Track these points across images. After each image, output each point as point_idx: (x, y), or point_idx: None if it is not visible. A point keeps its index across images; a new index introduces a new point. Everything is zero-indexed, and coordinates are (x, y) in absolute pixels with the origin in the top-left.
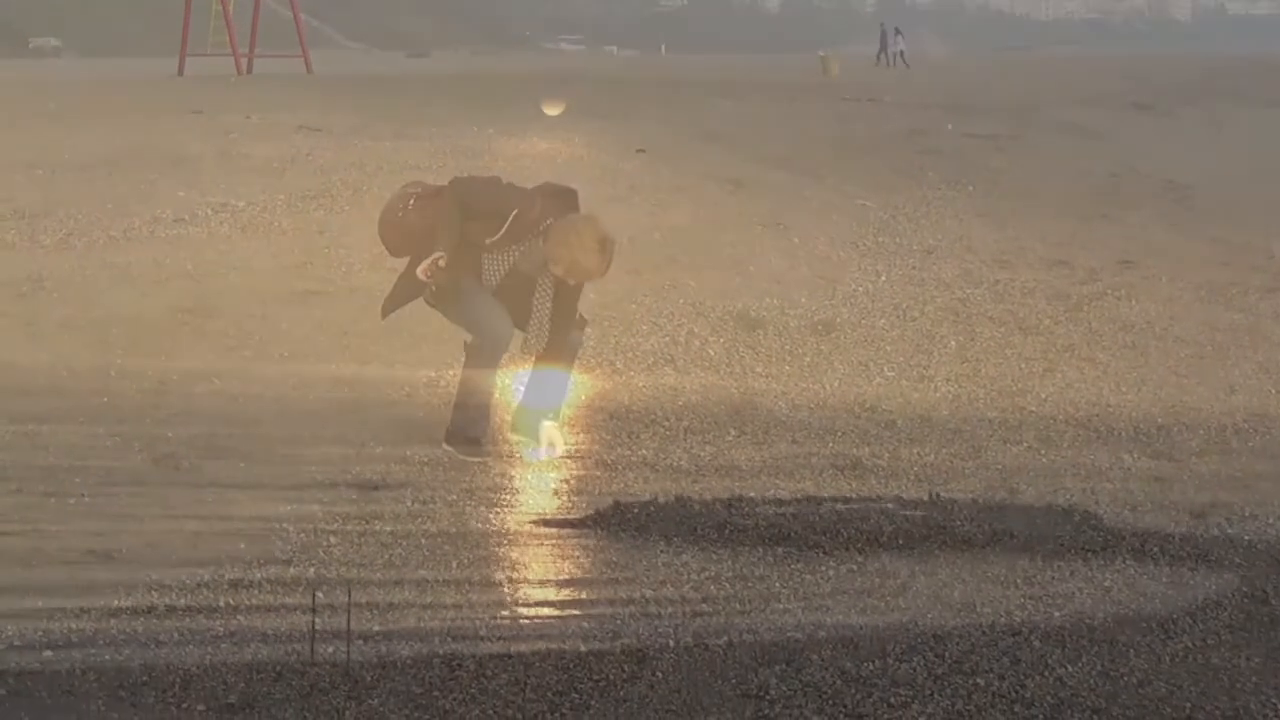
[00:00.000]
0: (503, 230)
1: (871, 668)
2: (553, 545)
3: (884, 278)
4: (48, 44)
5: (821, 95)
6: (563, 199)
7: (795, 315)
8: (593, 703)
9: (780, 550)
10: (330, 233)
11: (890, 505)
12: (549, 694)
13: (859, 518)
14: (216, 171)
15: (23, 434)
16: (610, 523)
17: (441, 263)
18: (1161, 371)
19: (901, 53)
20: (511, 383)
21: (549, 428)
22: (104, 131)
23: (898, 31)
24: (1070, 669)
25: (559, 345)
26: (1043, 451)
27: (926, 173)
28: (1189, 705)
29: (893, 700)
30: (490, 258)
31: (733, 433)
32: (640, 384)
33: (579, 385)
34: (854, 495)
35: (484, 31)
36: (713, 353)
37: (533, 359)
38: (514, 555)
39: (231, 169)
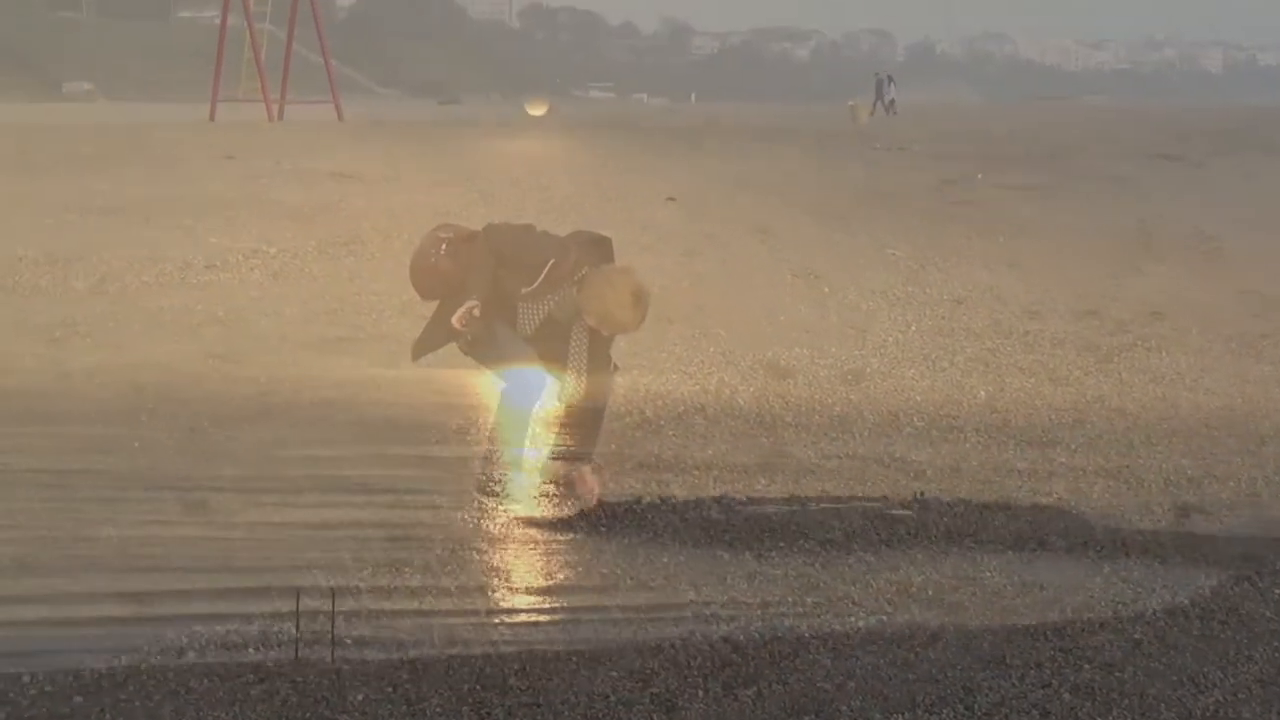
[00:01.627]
0: (539, 280)
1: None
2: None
3: (914, 328)
4: (80, 88)
5: (851, 144)
6: (597, 248)
7: (825, 365)
8: None
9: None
10: (361, 279)
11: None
12: None
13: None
14: (248, 217)
15: (54, 478)
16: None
17: (476, 312)
18: (1192, 424)
19: (892, 100)
20: (543, 430)
21: (583, 471)
22: (136, 176)
23: (890, 80)
24: None
25: (592, 392)
26: (1072, 503)
27: (956, 222)
28: None
29: None
30: (525, 307)
31: (762, 481)
32: (670, 432)
33: (609, 433)
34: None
35: (515, 78)
36: (742, 401)
37: (566, 407)
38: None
39: (263, 215)
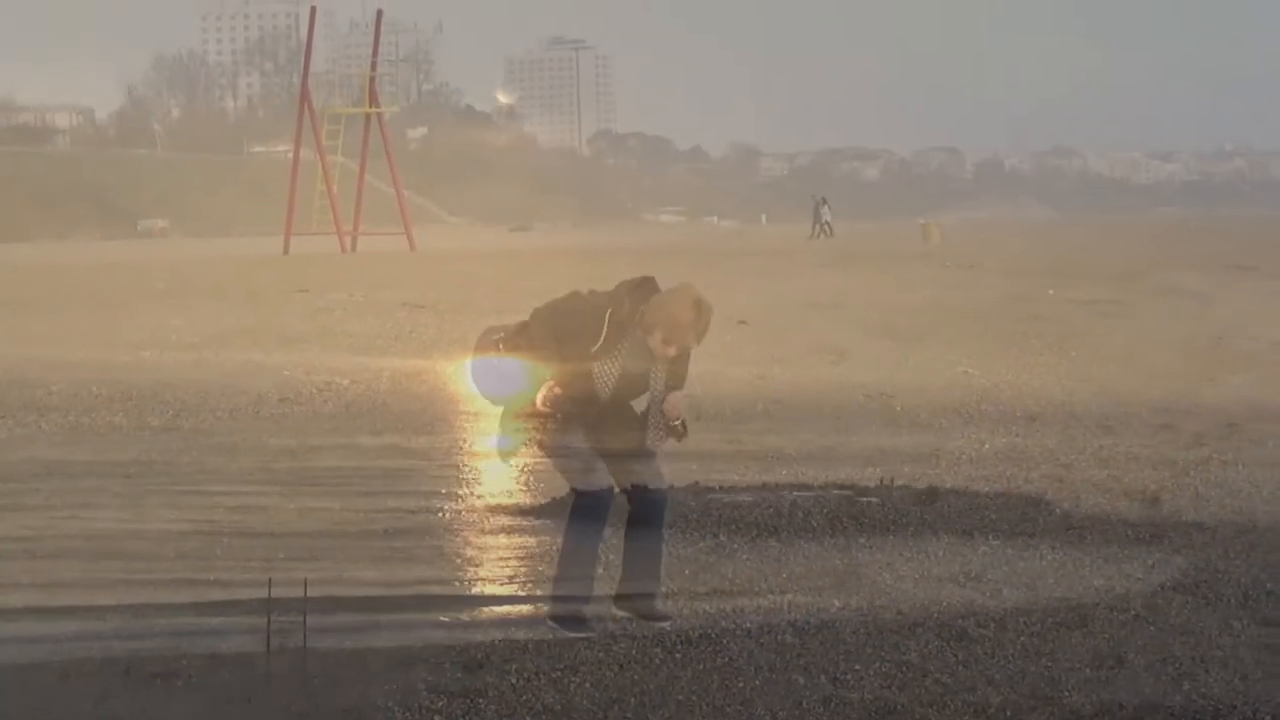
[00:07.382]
0: (603, 334)
1: None
2: None
3: (987, 445)
4: (155, 225)
5: (922, 262)
6: (644, 286)
7: (899, 484)
8: None
9: None
10: (433, 409)
11: None
12: None
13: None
14: (321, 350)
15: (131, 616)
16: None
17: (556, 389)
18: (1271, 539)
19: (827, 223)
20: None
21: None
22: (211, 311)
23: (824, 202)
24: None
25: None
26: (1150, 620)
27: (1029, 339)
28: None
29: None
30: (600, 366)
31: (837, 604)
32: (744, 556)
33: (684, 561)
34: None
35: (585, 204)
36: (816, 523)
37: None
38: None
39: (335, 347)
